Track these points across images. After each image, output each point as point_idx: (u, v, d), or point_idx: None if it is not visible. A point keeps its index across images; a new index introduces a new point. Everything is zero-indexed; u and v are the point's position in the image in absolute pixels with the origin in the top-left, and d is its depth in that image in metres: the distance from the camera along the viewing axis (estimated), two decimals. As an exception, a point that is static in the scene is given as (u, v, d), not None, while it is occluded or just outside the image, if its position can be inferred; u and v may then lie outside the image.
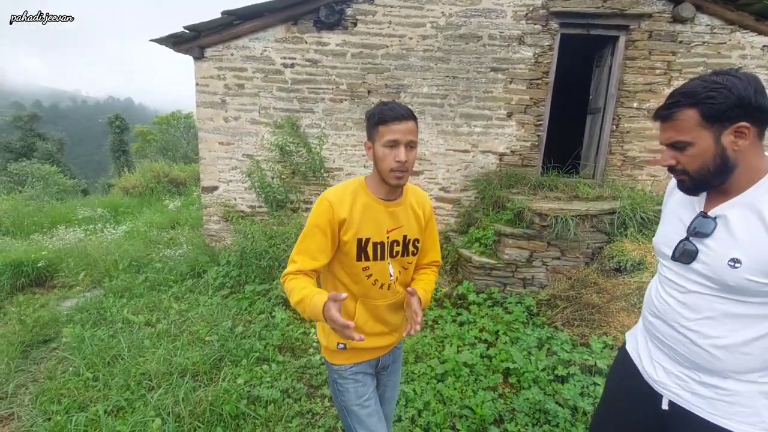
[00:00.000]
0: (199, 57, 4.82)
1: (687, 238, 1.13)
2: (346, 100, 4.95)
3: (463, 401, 2.46)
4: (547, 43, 4.79)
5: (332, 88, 4.93)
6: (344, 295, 1.18)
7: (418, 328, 1.34)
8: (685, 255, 1.13)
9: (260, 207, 5.21)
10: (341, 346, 1.46)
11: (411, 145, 1.33)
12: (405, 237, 1.47)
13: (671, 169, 1.12)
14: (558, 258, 3.99)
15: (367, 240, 1.39)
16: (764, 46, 4.77)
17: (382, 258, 1.42)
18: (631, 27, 4.75)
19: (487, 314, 3.60)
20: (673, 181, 1.24)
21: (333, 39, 4.81)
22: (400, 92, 4.91)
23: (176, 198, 10.20)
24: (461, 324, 3.50)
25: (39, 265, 4.88)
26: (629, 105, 4.93)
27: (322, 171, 5.04)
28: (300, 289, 1.28)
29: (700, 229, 1.10)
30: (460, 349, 3.06)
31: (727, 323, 1.07)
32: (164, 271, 4.77)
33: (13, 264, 4.71)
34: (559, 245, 3.96)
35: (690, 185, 1.11)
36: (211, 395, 2.33)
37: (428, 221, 1.56)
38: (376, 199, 1.41)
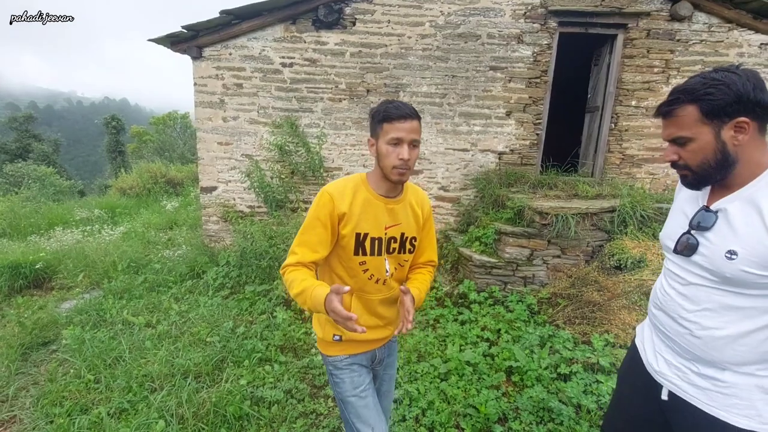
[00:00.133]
0: (197, 57, 4.80)
1: (689, 231, 1.16)
2: (345, 99, 4.94)
3: (467, 400, 2.46)
4: (545, 42, 4.80)
5: (331, 88, 4.92)
6: (347, 288, 1.20)
7: (409, 326, 1.35)
8: (686, 248, 1.15)
9: (259, 207, 5.20)
10: (337, 337, 1.49)
11: (414, 144, 1.36)
12: (403, 234, 1.49)
13: (674, 165, 1.15)
14: (558, 256, 4.00)
15: (366, 235, 1.41)
16: (762, 44, 4.80)
17: (379, 254, 1.45)
18: (629, 25, 4.76)
19: (488, 313, 3.61)
20: None
21: (332, 38, 4.80)
22: (399, 91, 4.91)
23: (173, 198, 10.16)
24: (463, 323, 3.50)
25: (37, 266, 4.84)
26: (628, 103, 4.95)
27: (321, 170, 5.03)
28: (300, 281, 1.30)
29: (701, 222, 1.12)
30: (462, 348, 3.06)
31: (725, 315, 1.09)
32: (163, 272, 4.75)
33: (10, 266, 4.68)
34: (560, 243, 3.97)
35: (692, 180, 1.14)
36: (215, 396, 2.32)
37: (426, 221, 1.58)
38: (377, 196, 1.43)
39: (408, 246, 1.51)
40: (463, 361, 2.81)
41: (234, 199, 5.23)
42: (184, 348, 2.96)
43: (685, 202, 1.22)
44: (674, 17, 4.73)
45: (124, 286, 4.37)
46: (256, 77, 4.90)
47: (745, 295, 1.05)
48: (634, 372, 1.39)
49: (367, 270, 1.45)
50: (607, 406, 1.60)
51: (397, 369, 2.74)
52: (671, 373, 1.22)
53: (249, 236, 4.46)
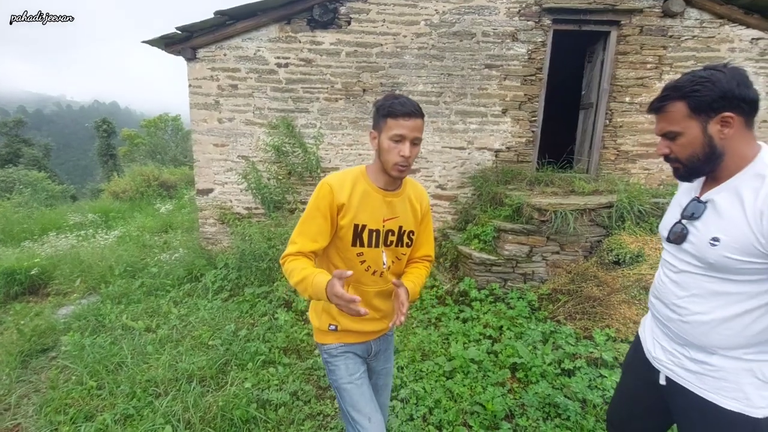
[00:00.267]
0: (191, 58, 4.76)
1: (680, 221, 1.24)
2: (341, 99, 4.93)
3: (473, 398, 2.47)
4: (540, 40, 4.82)
5: (327, 88, 4.91)
6: (349, 272, 1.21)
7: (402, 319, 1.37)
8: (678, 237, 1.23)
9: (257, 209, 5.17)
10: (332, 327, 1.52)
11: (416, 142, 1.38)
12: (400, 228, 1.51)
13: (666, 158, 1.22)
14: (557, 252, 4.03)
15: (363, 226, 1.43)
16: (752, 38, 4.86)
17: (377, 245, 1.47)
18: (622, 22, 4.80)
19: (489, 310, 3.62)
20: None
21: (327, 38, 4.78)
22: (395, 90, 4.90)
23: (167, 201, 10.08)
24: (465, 321, 3.51)
25: (32, 272, 4.78)
26: (621, 99, 4.99)
27: (318, 171, 5.02)
28: (301, 269, 1.32)
29: (692, 212, 1.20)
30: (465, 345, 3.07)
31: (712, 300, 1.15)
32: (161, 275, 4.71)
33: (5, 272, 4.61)
34: (558, 240, 3.99)
35: (683, 172, 1.20)
36: (221, 400, 2.31)
37: (424, 215, 1.60)
38: (375, 188, 1.45)
39: (405, 240, 1.53)
40: (467, 358, 2.82)
41: (231, 201, 5.20)
42: (186, 352, 2.94)
43: (682, 195, 1.30)
44: (666, 13, 4.77)
45: (121, 291, 4.33)
46: (252, 78, 4.87)
47: (729, 281, 1.11)
48: (636, 361, 1.45)
49: (365, 261, 1.47)
50: (612, 396, 1.66)
51: (402, 368, 2.76)
52: (667, 359, 1.29)
53: (247, 238, 4.44)
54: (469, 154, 5.10)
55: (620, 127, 5.05)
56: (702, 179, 1.22)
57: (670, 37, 4.85)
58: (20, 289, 4.68)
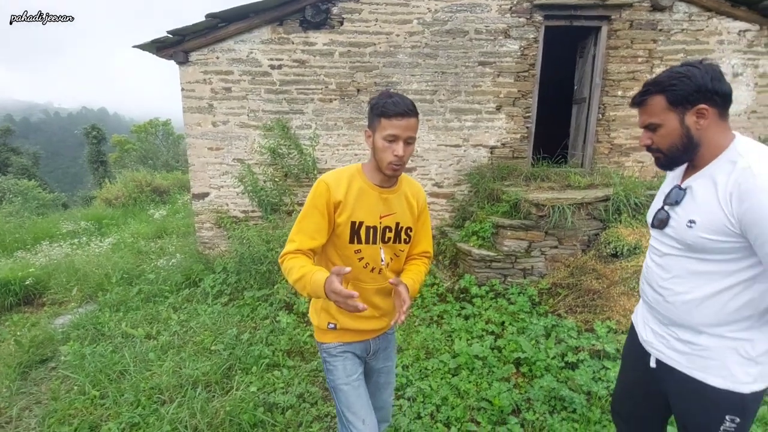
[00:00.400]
0: (183, 62, 4.72)
1: (663, 207, 1.32)
2: (335, 99, 4.92)
3: (480, 394, 2.48)
4: (532, 36, 4.85)
5: (321, 88, 4.89)
6: (348, 269, 1.23)
7: (403, 318, 1.37)
8: (660, 222, 1.31)
9: (254, 212, 5.14)
10: (331, 325, 1.52)
11: (409, 141, 1.38)
12: (398, 224, 1.51)
13: (648, 148, 1.30)
14: (555, 247, 4.05)
15: (361, 223, 1.44)
16: (740, 30, 4.93)
17: (374, 242, 1.47)
18: (612, 17, 4.84)
19: (491, 306, 3.64)
20: None
21: (320, 38, 4.77)
22: (390, 90, 4.89)
23: (161, 207, 9.99)
24: (467, 317, 3.52)
25: (27, 283, 4.72)
26: (614, 93, 5.04)
27: (314, 172, 5.00)
28: (300, 267, 1.33)
29: (674, 199, 1.28)
30: (469, 342, 3.08)
31: (692, 280, 1.23)
32: (158, 282, 4.67)
33: (-1, 283, 4.55)
34: (556, 234, 4.02)
35: (664, 161, 1.29)
36: (228, 405, 2.29)
37: (421, 212, 1.60)
38: (371, 185, 1.47)
39: (403, 236, 1.54)
40: (471, 355, 2.84)
41: (227, 205, 5.17)
42: (189, 358, 2.92)
43: (666, 184, 1.38)
44: (656, 7, 4.82)
45: (119, 299, 4.29)
46: (245, 80, 4.85)
47: (707, 260, 1.19)
48: (632, 347, 1.53)
49: (363, 258, 1.47)
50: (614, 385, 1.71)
51: (407, 366, 2.76)
52: (656, 341, 1.36)
53: (245, 241, 4.42)
54: (464, 151, 5.11)
55: (613, 120, 5.10)
56: (683, 168, 1.31)
57: (660, 30, 4.90)
58: (15, 300, 4.61)
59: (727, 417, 1.23)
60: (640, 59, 4.96)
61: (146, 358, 2.96)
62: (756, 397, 1.23)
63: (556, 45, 5.68)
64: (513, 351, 2.92)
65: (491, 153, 5.13)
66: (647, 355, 1.40)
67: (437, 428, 2.25)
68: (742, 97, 5.11)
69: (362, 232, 1.45)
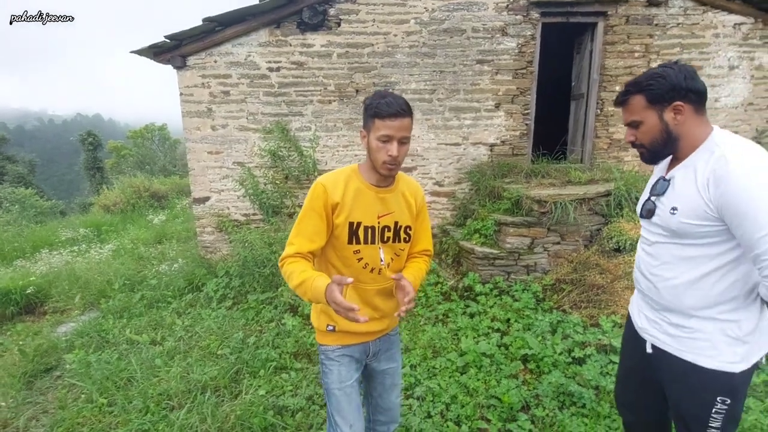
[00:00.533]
0: (181, 66, 4.71)
1: (649, 198, 1.41)
2: (334, 101, 4.92)
3: (489, 391, 2.49)
4: (529, 33, 4.86)
5: (320, 90, 4.89)
6: (350, 279, 1.24)
7: (408, 307, 1.38)
8: (648, 212, 1.40)
9: (255, 215, 5.14)
10: (330, 327, 1.52)
11: (404, 141, 1.38)
12: (396, 223, 1.52)
13: (633, 144, 1.39)
14: (558, 243, 4.06)
15: (359, 224, 1.45)
16: (735, 24, 4.96)
17: (373, 242, 1.47)
18: (608, 13, 4.86)
19: (495, 303, 3.65)
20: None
21: (318, 40, 4.76)
22: (389, 89, 4.90)
23: (159, 212, 9.96)
24: (472, 315, 3.53)
25: (28, 291, 4.70)
26: (612, 89, 5.05)
27: (315, 173, 4.99)
28: (300, 272, 1.33)
29: (659, 189, 1.36)
30: (475, 340, 3.08)
31: (680, 265, 1.31)
32: (160, 287, 4.65)
33: (0, 293, 4.52)
34: (559, 230, 4.03)
35: (648, 156, 1.39)
36: (239, 409, 2.29)
37: (420, 210, 1.60)
38: (368, 185, 1.47)
39: (403, 235, 1.54)
40: (479, 353, 2.84)
41: (228, 209, 5.16)
42: (196, 363, 2.91)
43: (653, 177, 1.47)
44: (651, 2, 4.84)
45: (122, 305, 4.27)
46: (243, 83, 4.84)
47: (691, 245, 1.27)
48: (628, 336, 1.61)
49: (362, 259, 1.47)
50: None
51: (415, 366, 2.76)
52: (651, 327, 1.43)
53: (247, 244, 4.41)
54: (464, 149, 5.12)
55: (611, 116, 5.11)
56: (668, 162, 1.40)
57: (656, 25, 4.92)
58: (16, 309, 4.59)
59: (718, 399, 1.29)
60: (636, 54, 4.98)
61: (153, 364, 2.95)
62: (744, 378, 1.28)
63: (553, 42, 5.70)
64: (520, 348, 2.93)
65: (491, 151, 5.14)
66: (643, 342, 1.46)
67: (448, 427, 2.25)
68: (738, 90, 5.15)
69: (360, 232, 1.45)
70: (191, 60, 4.73)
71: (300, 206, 5.03)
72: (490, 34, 4.84)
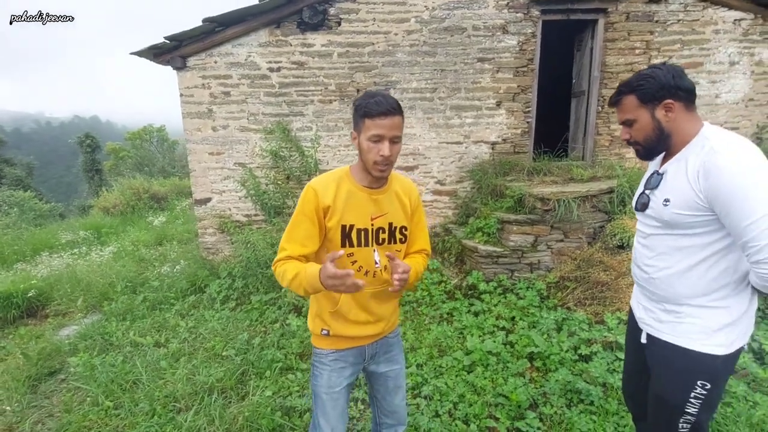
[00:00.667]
0: (181, 67, 4.69)
1: (644, 192, 1.48)
2: (335, 100, 4.91)
3: (496, 389, 2.48)
4: (530, 31, 4.85)
5: (321, 90, 4.88)
6: (341, 252, 1.23)
7: (397, 277, 1.34)
8: (642, 205, 1.46)
9: (257, 215, 5.12)
10: (325, 332, 1.52)
11: (395, 140, 1.36)
12: (391, 224, 1.50)
13: (628, 142, 1.46)
14: (561, 240, 4.06)
15: (351, 226, 1.43)
16: (735, 20, 4.96)
17: (367, 244, 1.46)
18: (609, 9, 4.85)
19: (500, 302, 3.64)
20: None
21: (318, 40, 4.75)
22: (390, 89, 4.90)
23: (159, 214, 9.93)
24: (476, 314, 3.52)
25: (29, 295, 4.67)
26: (613, 86, 5.04)
27: (317, 173, 4.98)
28: (293, 268, 1.34)
29: (653, 183, 1.43)
30: (481, 338, 3.08)
31: (674, 255, 1.37)
32: (163, 289, 4.64)
33: (1, 296, 4.50)
34: (562, 228, 4.03)
35: (643, 153, 1.45)
36: (247, 411, 2.28)
37: (415, 209, 1.58)
38: (360, 187, 1.45)
39: (398, 236, 1.52)
40: (485, 351, 2.83)
41: (230, 210, 5.14)
42: (201, 364, 2.90)
43: (648, 172, 1.54)
44: (651, -1, 4.84)
45: (124, 307, 4.25)
46: (244, 84, 4.82)
47: (684, 235, 1.33)
48: (630, 329, 1.68)
49: (356, 262, 1.46)
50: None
51: (421, 365, 2.76)
52: (647, 316, 1.49)
53: (250, 245, 4.40)
54: (466, 148, 5.11)
55: (613, 113, 5.10)
56: (662, 157, 1.46)
57: (656, 22, 4.91)
58: (18, 313, 4.57)
59: (698, 383, 1.34)
60: (637, 51, 4.98)
61: (158, 366, 2.94)
62: (726, 365, 1.34)
63: (553, 39, 5.70)
64: (525, 346, 2.93)
65: (492, 149, 5.13)
66: (640, 332, 1.53)
67: (456, 426, 2.24)
68: (739, 86, 5.15)
69: (353, 235, 1.43)
70: (191, 61, 4.71)
71: (302, 206, 5.04)
72: (490, 32, 4.84)
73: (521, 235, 4.02)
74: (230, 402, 2.50)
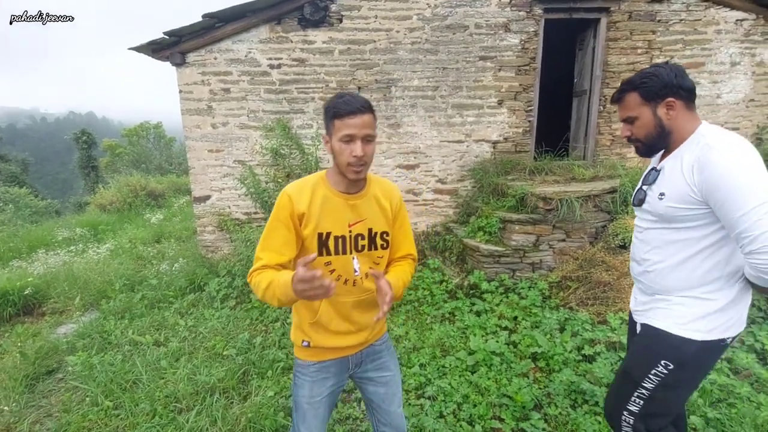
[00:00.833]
0: (180, 63, 4.64)
1: (641, 188, 1.51)
2: (336, 98, 4.86)
3: (500, 390, 2.47)
4: (532, 29, 4.83)
5: (322, 87, 4.84)
6: (313, 255, 1.14)
7: (386, 308, 1.27)
8: (639, 200, 1.50)
9: (256, 213, 5.09)
10: (305, 343, 1.47)
11: (368, 139, 1.30)
12: (370, 230, 1.43)
13: (629, 139, 1.49)
14: (563, 240, 4.05)
15: (328, 234, 1.37)
16: (737, 20, 4.95)
17: (345, 252, 1.40)
18: (611, 9, 4.84)
19: (502, 301, 3.63)
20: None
21: (319, 36, 4.71)
22: (391, 86, 4.87)
23: (157, 211, 9.87)
24: (478, 313, 3.51)
25: (26, 292, 4.62)
26: (615, 85, 5.02)
27: (317, 171, 4.95)
28: (267, 278, 1.27)
29: (650, 179, 1.47)
30: (484, 338, 3.06)
31: (668, 249, 1.41)
32: (161, 287, 4.60)
33: (-3, 294, 4.45)
34: (564, 227, 4.02)
35: (643, 149, 1.49)
36: (250, 411, 2.25)
37: (397, 213, 1.51)
38: (336, 193, 1.39)
39: (379, 242, 1.45)
40: (488, 351, 2.82)
41: (229, 207, 5.10)
42: (202, 364, 2.87)
43: (647, 169, 1.57)
44: (654, -2, 4.82)
45: (123, 305, 4.21)
46: (244, 80, 4.78)
47: (677, 229, 1.37)
48: (629, 326, 1.71)
49: (334, 270, 1.40)
50: None
51: (425, 365, 2.74)
52: (641, 308, 1.55)
53: (250, 243, 4.36)
54: (467, 147, 5.09)
55: (614, 112, 5.10)
56: (660, 154, 1.49)
57: (659, 21, 4.90)
58: (14, 311, 4.51)
59: (662, 362, 1.39)
60: (639, 50, 4.97)
61: (158, 365, 2.91)
62: (703, 353, 1.36)
63: (554, 39, 5.68)
64: (529, 346, 2.91)
65: (494, 148, 5.11)
66: (634, 323, 1.59)
67: (461, 427, 2.23)
68: (740, 86, 5.15)
69: (330, 243, 1.37)
70: (191, 57, 4.66)
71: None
72: (493, 31, 4.81)
73: (523, 235, 4.01)
74: (232, 402, 2.47)
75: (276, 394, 2.54)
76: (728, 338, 1.37)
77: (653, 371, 1.40)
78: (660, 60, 4.96)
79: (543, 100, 5.24)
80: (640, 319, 1.53)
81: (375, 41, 4.76)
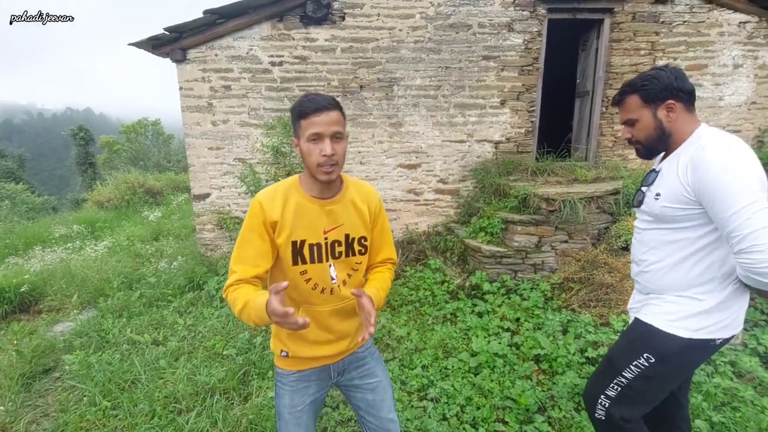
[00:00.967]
0: (181, 60, 4.60)
1: (640, 189, 1.53)
2: (338, 96, 4.83)
3: (503, 392, 2.45)
4: (535, 29, 4.81)
5: (323, 85, 4.80)
6: (285, 284, 1.10)
7: (372, 330, 1.24)
8: (638, 201, 1.52)
9: (256, 212, 5.04)
10: (284, 353, 1.42)
11: (337, 137, 1.25)
12: (347, 236, 1.38)
13: (630, 141, 1.51)
14: (566, 241, 4.04)
15: (303, 242, 1.32)
16: (740, 22, 4.95)
17: (320, 260, 1.35)
18: (615, 9, 4.82)
19: (503, 302, 3.61)
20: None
21: (321, 34, 4.67)
22: (393, 85, 4.84)
23: (155, 208, 9.81)
24: (480, 314, 3.48)
25: (22, 290, 4.57)
26: (617, 87, 4.99)
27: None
28: (243, 296, 1.21)
29: (649, 180, 1.49)
30: (486, 339, 3.04)
31: (664, 249, 1.42)
32: (160, 285, 4.56)
33: (-6, 291, 4.40)
34: (566, 229, 4.00)
35: (644, 152, 1.50)
36: (251, 413, 2.22)
37: (376, 217, 1.46)
38: (310, 198, 1.33)
39: (357, 247, 1.40)
40: (491, 353, 2.80)
41: (229, 206, 5.07)
42: (201, 364, 2.83)
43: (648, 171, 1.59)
44: (657, 0, 4.81)
45: (121, 304, 4.17)
46: (245, 78, 4.74)
47: (673, 229, 1.38)
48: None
49: (310, 279, 1.35)
50: None
51: (427, 367, 2.71)
52: (636, 305, 1.58)
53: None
54: (469, 146, 5.07)
55: (616, 113, 5.05)
56: (661, 156, 1.51)
57: (662, 23, 4.89)
58: (10, 308, 4.46)
59: (644, 354, 1.42)
60: (642, 52, 4.96)
61: (157, 365, 2.87)
62: (689, 351, 1.38)
63: (556, 39, 5.66)
64: (531, 348, 2.89)
65: (496, 148, 5.09)
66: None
67: (465, 429, 2.20)
68: (742, 89, 5.14)
69: (305, 251, 1.32)
70: (191, 53, 4.62)
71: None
72: (496, 30, 4.79)
73: (525, 236, 3.99)
74: (233, 403, 2.44)
75: (277, 395, 2.51)
76: (719, 339, 1.38)
77: (635, 362, 1.44)
78: (663, 62, 4.95)
79: (545, 100, 5.22)
80: (633, 315, 1.58)
81: (377, 39, 4.73)
